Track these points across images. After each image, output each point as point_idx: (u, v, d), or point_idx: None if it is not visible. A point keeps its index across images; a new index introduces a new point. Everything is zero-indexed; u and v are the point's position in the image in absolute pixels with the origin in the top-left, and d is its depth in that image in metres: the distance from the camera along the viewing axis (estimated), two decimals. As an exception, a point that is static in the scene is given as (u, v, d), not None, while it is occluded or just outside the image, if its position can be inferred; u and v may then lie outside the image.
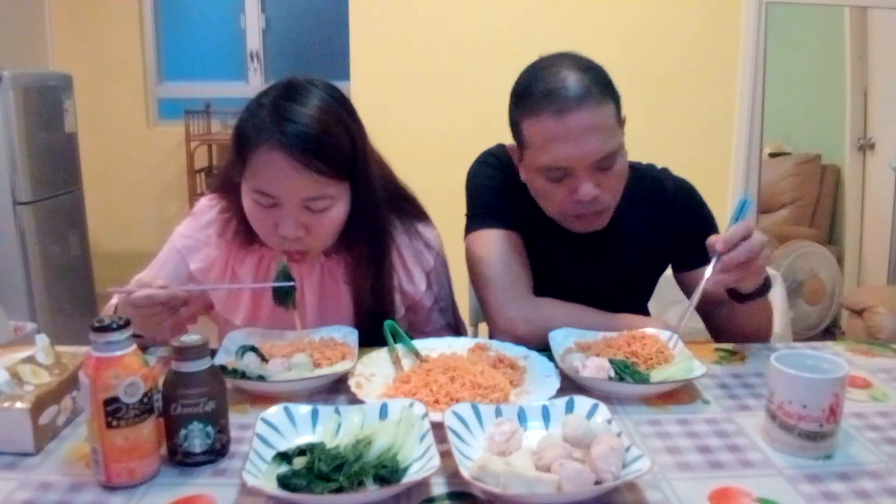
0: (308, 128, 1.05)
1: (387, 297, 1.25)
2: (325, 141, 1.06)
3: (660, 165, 1.39)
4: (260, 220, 1.12)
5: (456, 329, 1.40)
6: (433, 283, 1.33)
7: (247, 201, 1.12)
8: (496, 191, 1.31)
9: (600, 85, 1.13)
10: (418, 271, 1.29)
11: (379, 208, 1.20)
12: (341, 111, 1.11)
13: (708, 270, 1.06)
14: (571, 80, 1.12)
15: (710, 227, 1.33)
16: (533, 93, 1.14)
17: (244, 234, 1.21)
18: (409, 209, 1.31)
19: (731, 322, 1.26)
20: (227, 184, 1.21)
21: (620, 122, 1.19)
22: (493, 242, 1.27)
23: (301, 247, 1.13)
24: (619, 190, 1.21)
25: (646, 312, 1.40)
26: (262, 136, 1.05)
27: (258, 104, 1.09)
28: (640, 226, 1.31)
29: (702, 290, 1.09)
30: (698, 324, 1.66)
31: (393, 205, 1.26)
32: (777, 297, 2.86)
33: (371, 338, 1.16)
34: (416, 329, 1.35)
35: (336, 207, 1.12)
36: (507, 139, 1.28)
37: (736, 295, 1.16)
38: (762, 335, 1.26)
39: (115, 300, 1.15)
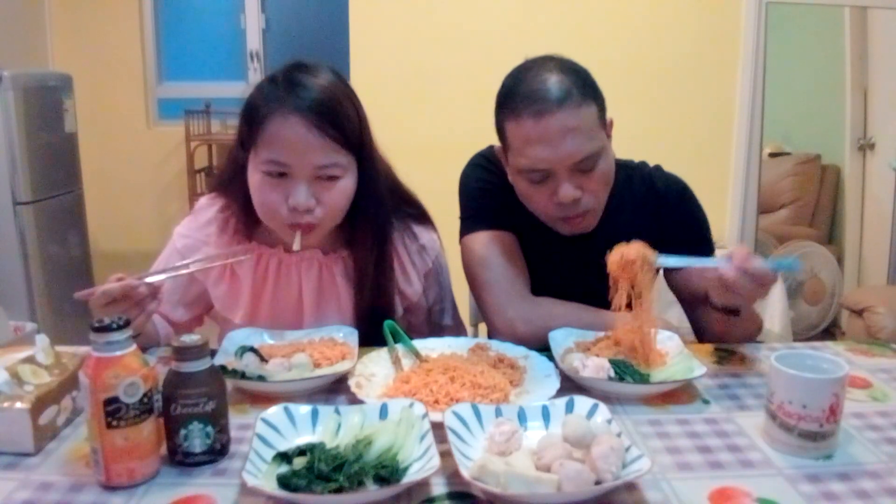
0: (322, 94, 1.09)
1: (386, 296, 1.25)
2: (337, 109, 1.10)
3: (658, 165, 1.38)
4: (269, 195, 1.11)
5: (456, 332, 1.40)
6: (431, 286, 1.33)
7: (255, 178, 1.12)
8: (488, 192, 1.31)
9: (581, 87, 1.14)
10: (415, 273, 1.30)
11: (382, 197, 1.22)
12: (349, 90, 1.16)
13: (723, 263, 1.05)
14: (552, 82, 1.13)
15: (700, 224, 1.33)
16: (514, 95, 1.15)
17: (243, 232, 1.22)
18: (408, 211, 1.31)
19: (711, 326, 1.25)
20: (226, 181, 1.22)
21: (604, 124, 1.18)
22: (488, 244, 1.27)
23: (311, 219, 1.12)
24: (604, 192, 1.21)
25: None
26: (277, 104, 1.08)
27: (270, 80, 1.12)
28: (631, 224, 1.28)
29: (708, 265, 1.08)
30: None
31: (393, 205, 1.27)
32: (777, 297, 2.87)
33: (370, 337, 1.16)
34: (415, 331, 1.35)
35: (345, 179, 1.14)
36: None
37: (713, 304, 1.16)
38: (745, 340, 1.25)
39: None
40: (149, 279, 1.04)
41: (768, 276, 1.04)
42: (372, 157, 1.19)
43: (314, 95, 1.08)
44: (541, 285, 1.28)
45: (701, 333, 1.31)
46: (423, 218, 1.34)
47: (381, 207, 1.22)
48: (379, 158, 1.22)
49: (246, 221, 1.21)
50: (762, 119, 3.28)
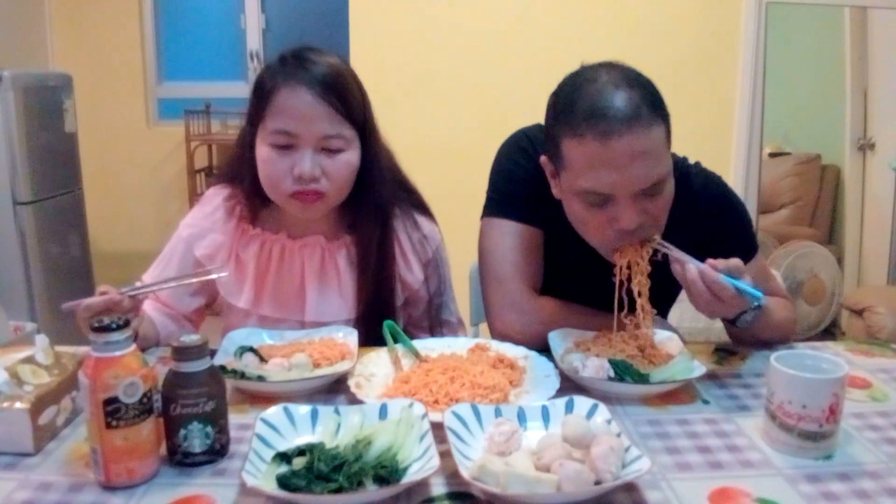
0: (328, 69, 1.15)
1: (388, 280, 1.27)
2: (342, 83, 1.16)
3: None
4: (276, 165, 1.15)
5: (456, 329, 1.40)
6: (431, 276, 1.34)
7: (263, 151, 1.16)
8: (521, 180, 1.24)
9: (650, 104, 1.03)
10: (416, 261, 1.31)
11: (384, 176, 1.24)
12: (352, 71, 1.20)
13: (692, 260, 1.02)
14: (620, 98, 1.01)
15: (740, 223, 1.24)
16: (576, 109, 1.03)
17: (248, 218, 1.26)
18: (410, 199, 1.33)
19: (729, 332, 1.23)
20: (234, 164, 1.27)
21: (670, 142, 1.07)
22: (508, 236, 1.23)
23: (317, 187, 1.15)
24: (665, 217, 1.11)
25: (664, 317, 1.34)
26: (286, 78, 1.14)
27: (279, 59, 1.18)
28: (667, 229, 1.14)
29: (675, 257, 1.04)
30: (698, 324, 1.66)
31: (395, 193, 1.29)
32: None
33: (371, 328, 1.17)
34: (416, 325, 1.35)
35: (349, 152, 1.17)
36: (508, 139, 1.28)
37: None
38: (770, 344, 1.21)
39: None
40: (132, 293, 1.04)
41: (725, 291, 0.98)
42: (375, 136, 1.23)
43: (321, 70, 1.14)
44: (557, 285, 1.24)
45: (734, 339, 1.25)
46: (423, 208, 1.35)
47: (383, 187, 1.24)
48: (381, 141, 1.25)
49: (252, 206, 1.25)
50: (762, 119, 3.28)
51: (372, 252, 1.24)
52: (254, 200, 1.24)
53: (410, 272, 1.30)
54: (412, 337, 1.25)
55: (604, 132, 1.00)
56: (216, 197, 1.29)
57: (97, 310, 0.99)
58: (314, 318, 1.24)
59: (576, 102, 1.04)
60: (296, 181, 1.14)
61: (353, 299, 1.26)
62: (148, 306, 1.24)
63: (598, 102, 1.02)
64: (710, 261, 1.01)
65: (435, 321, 1.37)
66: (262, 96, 1.16)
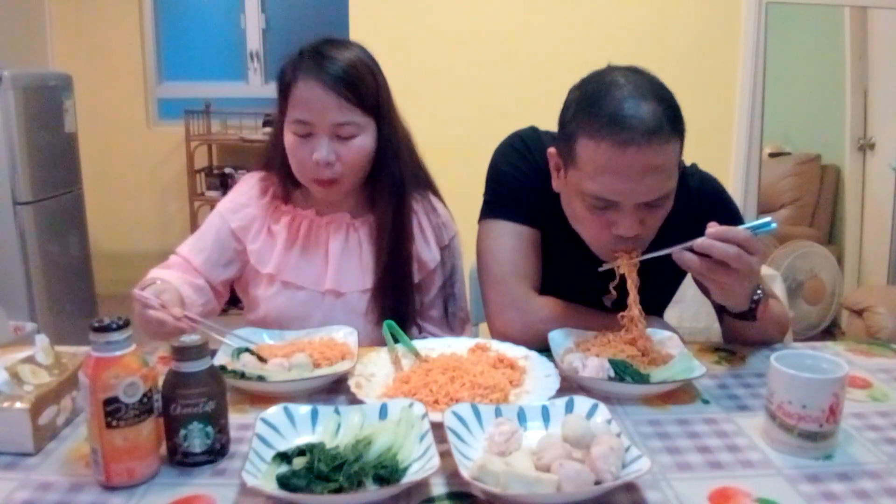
0: (340, 62, 1.22)
1: (405, 256, 1.32)
2: (353, 74, 1.22)
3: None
4: (298, 152, 1.24)
5: (462, 323, 1.41)
6: (446, 260, 1.37)
7: (288, 137, 1.25)
8: (517, 181, 1.25)
9: (672, 120, 1.04)
10: (434, 242, 1.36)
11: (400, 154, 1.31)
12: (370, 62, 1.28)
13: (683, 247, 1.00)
14: (645, 110, 1.01)
15: (732, 222, 1.25)
16: (599, 111, 1.03)
17: (281, 197, 1.35)
18: (428, 183, 1.40)
19: (732, 332, 1.23)
20: (267, 154, 1.36)
21: (681, 158, 1.09)
22: (505, 237, 1.24)
23: (333, 174, 1.24)
24: (657, 228, 1.12)
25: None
26: (301, 72, 1.22)
27: (299, 52, 1.26)
28: (663, 230, 1.15)
29: (667, 252, 1.03)
30: (698, 324, 1.66)
31: (413, 172, 1.35)
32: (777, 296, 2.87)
33: (388, 297, 1.27)
34: (425, 312, 1.37)
35: (362, 136, 1.25)
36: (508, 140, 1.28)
37: (722, 307, 1.13)
38: (770, 342, 1.23)
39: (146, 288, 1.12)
40: (200, 325, 1.07)
41: (749, 237, 0.97)
42: (390, 119, 1.29)
43: (333, 63, 1.21)
44: (556, 285, 1.25)
45: (727, 338, 1.27)
46: (438, 195, 1.42)
47: (398, 165, 1.30)
48: (398, 123, 1.32)
49: (284, 187, 1.34)
50: (762, 119, 3.28)
51: (387, 226, 1.30)
52: (286, 182, 1.33)
53: (428, 250, 1.35)
54: (422, 326, 1.25)
55: (623, 141, 1.00)
56: (252, 178, 1.40)
57: (165, 332, 1.05)
58: (334, 287, 1.31)
59: (600, 104, 1.04)
60: (315, 166, 1.23)
61: (372, 271, 1.32)
62: (174, 278, 1.24)
63: (623, 110, 1.02)
64: (709, 229, 0.99)
65: (447, 308, 1.39)
66: (283, 88, 1.25)
